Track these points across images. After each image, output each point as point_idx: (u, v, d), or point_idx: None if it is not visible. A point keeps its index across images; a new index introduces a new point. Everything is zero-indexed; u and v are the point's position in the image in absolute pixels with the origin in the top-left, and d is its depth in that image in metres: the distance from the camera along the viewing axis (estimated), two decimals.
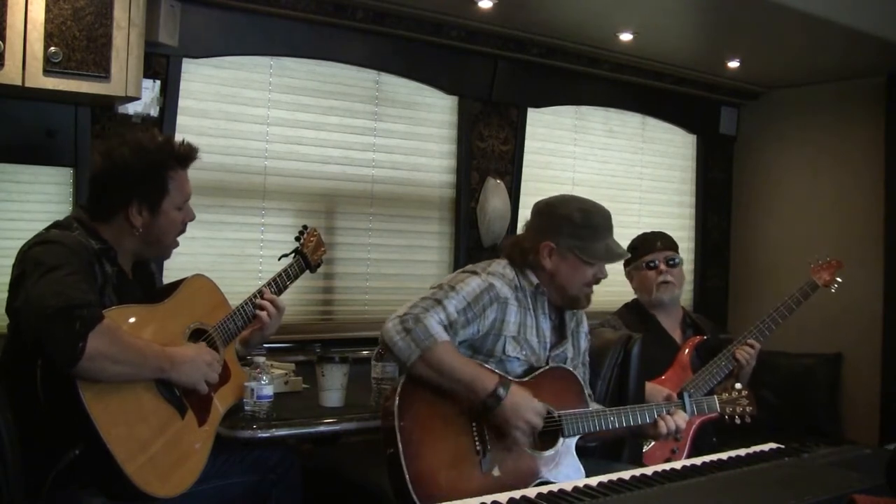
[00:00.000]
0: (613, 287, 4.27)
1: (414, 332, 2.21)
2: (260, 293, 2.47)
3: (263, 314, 2.44)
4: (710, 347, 3.30)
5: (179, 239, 2.39)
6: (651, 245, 3.37)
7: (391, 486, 2.19)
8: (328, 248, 2.81)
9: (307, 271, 2.67)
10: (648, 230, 3.59)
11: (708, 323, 3.53)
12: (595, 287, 2.55)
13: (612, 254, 2.50)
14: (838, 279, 3.30)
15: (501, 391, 2.22)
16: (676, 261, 3.37)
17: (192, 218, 2.36)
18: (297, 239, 2.68)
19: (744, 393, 2.66)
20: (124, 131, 2.39)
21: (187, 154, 2.32)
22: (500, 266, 2.48)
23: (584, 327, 2.68)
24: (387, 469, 2.20)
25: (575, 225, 2.47)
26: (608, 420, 2.42)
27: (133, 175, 2.22)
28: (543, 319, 2.51)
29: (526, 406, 2.25)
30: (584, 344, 2.66)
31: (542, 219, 2.55)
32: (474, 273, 2.43)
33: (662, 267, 3.32)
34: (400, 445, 2.16)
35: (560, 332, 2.58)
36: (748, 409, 2.64)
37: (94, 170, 2.30)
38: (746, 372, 3.21)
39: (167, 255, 2.45)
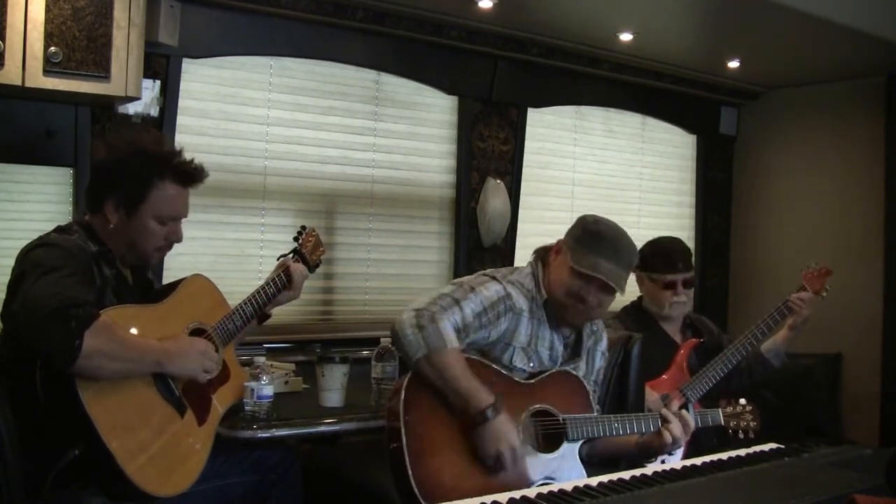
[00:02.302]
0: None
1: (427, 330, 2.21)
2: (273, 283, 2.48)
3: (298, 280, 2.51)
4: (708, 350, 3.30)
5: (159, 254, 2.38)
6: (672, 265, 3.27)
7: (394, 482, 2.19)
8: (328, 248, 2.81)
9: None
10: (665, 236, 3.52)
11: (708, 325, 3.51)
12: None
13: (596, 267, 2.35)
14: (827, 287, 3.31)
15: (490, 413, 2.20)
16: (693, 282, 3.35)
17: (179, 239, 2.32)
18: (296, 239, 2.68)
19: (748, 408, 2.64)
20: (135, 133, 2.38)
21: (184, 170, 2.28)
22: (522, 275, 2.47)
23: (602, 346, 2.63)
24: (389, 464, 2.20)
25: (583, 230, 2.44)
26: (612, 426, 2.40)
27: (120, 171, 2.22)
28: (556, 334, 2.48)
29: (505, 438, 2.21)
30: (598, 363, 2.61)
31: (571, 226, 2.52)
32: (495, 279, 2.41)
33: (680, 289, 3.29)
34: (404, 440, 2.15)
35: (574, 350, 2.55)
36: (752, 423, 2.62)
37: (95, 158, 2.32)
38: (802, 315, 3.20)
39: (148, 265, 2.41)
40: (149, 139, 2.33)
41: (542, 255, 2.52)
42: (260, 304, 2.44)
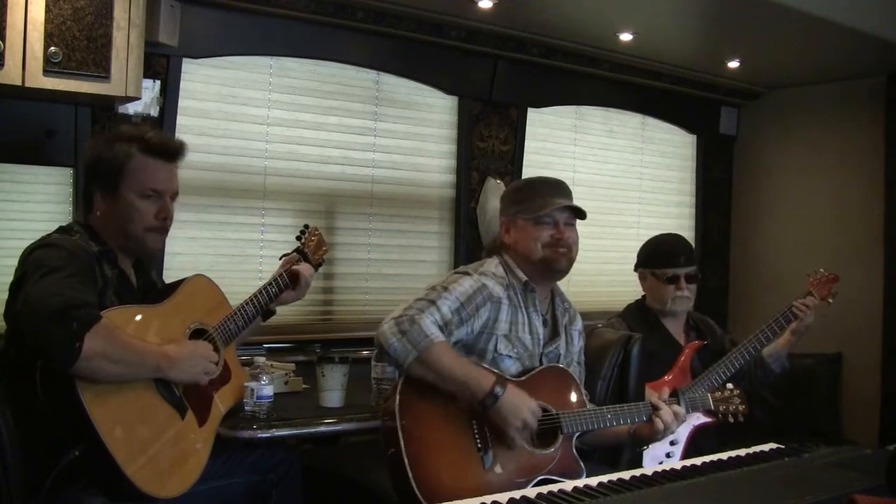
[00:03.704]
0: (616, 287, 4.28)
1: (409, 333, 2.22)
2: (275, 283, 2.48)
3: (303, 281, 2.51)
4: (712, 351, 3.29)
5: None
6: (674, 259, 3.28)
7: (393, 487, 2.19)
8: (328, 248, 2.80)
9: None
10: (666, 233, 3.54)
11: (711, 326, 3.49)
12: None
13: (550, 203, 2.48)
14: (834, 293, 3.30)
15: (499, 390, 2.23)
16: (696, 276, 3.33)
17: (167, 214, 2.28)
18: (299, 238, 2.67)
19: (736, 392, 2.69)
20: (116, 126, 2.41)
21: (154, 142, 2.27)
22: (492, 266, 2.51)
23: (578, 325, 2.68)
24: (388, 469, 2.20)
25: (515, 191, 2.61)
26: (605, 418, 2.42)
27: (95, 161, 2.25)
28: (535, 317, 2.51)
29: (523, 406, 2.26)
30: (577, 342, 2.66)
31: (499, 203, 2.67)
32: (466, 274, 2.45)
33: (682, 283, 3.29)
34: (402, 445, 2.16)
35: (553, 329, 2.59)
36: (740, 407, 2.66)
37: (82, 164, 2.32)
38: (805, 324, 3.22)
39: (149, 252, 2.37)
40: (125, 127, 2.35)
41: (495, 247, 2.60)
42: (262, 303, 2.44)
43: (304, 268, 2.54)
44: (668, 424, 2.44)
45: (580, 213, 2.53)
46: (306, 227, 2.69)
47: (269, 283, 2.49)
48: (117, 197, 2.23)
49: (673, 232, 3.64)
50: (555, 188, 2.55)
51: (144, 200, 2.25)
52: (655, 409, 2.45)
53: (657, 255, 3.32)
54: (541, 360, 2.50)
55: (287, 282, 2.51)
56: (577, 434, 2.41)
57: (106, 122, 3.06)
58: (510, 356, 2.43)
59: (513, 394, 2.26)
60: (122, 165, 2.23)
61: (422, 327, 2.23)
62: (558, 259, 2.48)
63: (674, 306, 3.27)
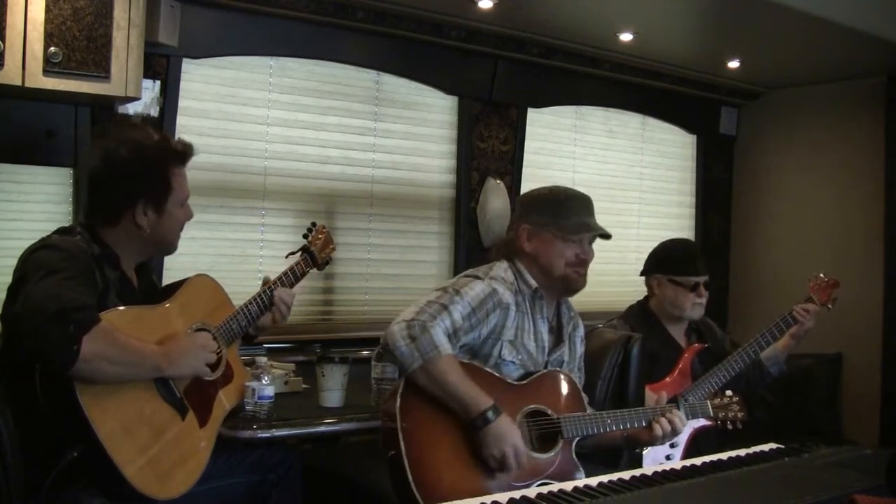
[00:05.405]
0: (617, 287, 4.28)
1: (419, 340, 2.22)
2: (271, 288, 2.47)
3: (282, 307, 2.48)
4: (713, 354, 3.28)
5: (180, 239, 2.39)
6: (694, 267, 3.26)
7: (393, 488, 2.19)
8: (335, 246, 2.79)
9: (314, 269, 2.66)
10: (678, 238, 3.53)
11: (712, 328, 3.48)
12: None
13: (587, 226, 2.49)
14: (835, 298, 3.30)
15: (491, 415, 2.22)
16: (708, 283, 3.32)
17: (191, 216, 2.36)
18: (305, 236, 2.67)
19: (735, 399, 2.71)
20: (119, 131, 2.37)
21: (185, 151, 2.32)
22: (502, 270, 2.49)
23: (581, 332, 2.68)
24: (388, 471, 2.20)
25: (546, 202, 2.54)
26: (606, 423, 2.42)
27: (136, 176, 2.21)
28: (542, 323, 2.51)
29: (508, 439, 2.23)
30: (579, 349, 2.66)
31: (520, 207, 2.64)
32: (477, 277, 2.43)
33: (702, 291, 3.28)
34: (402, 447, 2.16)
35: (558, 336, 2.59)
36: (739, 414, 2.69)
37: (93, 173, 2.26)
38: (805, 329, 3.22)
39: (172, 251, 2.43)
40: (139, 135, 2.29)
41: (507, 250, 2.55)
42: (265, 303, 2.44)
43: (281, 292, 2.50)
44: (668, 432, 2.45)
45: (604, 235, 2.54)
46: (314, 224, 2.69)
47: (275, 282, 2.50)
48: (163, 213, 2.25)
49: (682, 237, 3.63)
50: (587, 208, 2.54)
51: (182, 209, 2.31)
52: (655, 414, 2.46)
53: (677, 262, 3.28)
54: (545, 367, 2.50)
55: (303, 269, 2.55)
56: (577, 439, 2.41)
57: (106, 123, 3.05)
58: (513, 362, 2.43)
59: (503, 424, 2.23)
60: (169, 182, 2.24)
61: (432, 337, 2.22)
62: (578, 280, 2.50)
63: (692, 313, 3.26)
